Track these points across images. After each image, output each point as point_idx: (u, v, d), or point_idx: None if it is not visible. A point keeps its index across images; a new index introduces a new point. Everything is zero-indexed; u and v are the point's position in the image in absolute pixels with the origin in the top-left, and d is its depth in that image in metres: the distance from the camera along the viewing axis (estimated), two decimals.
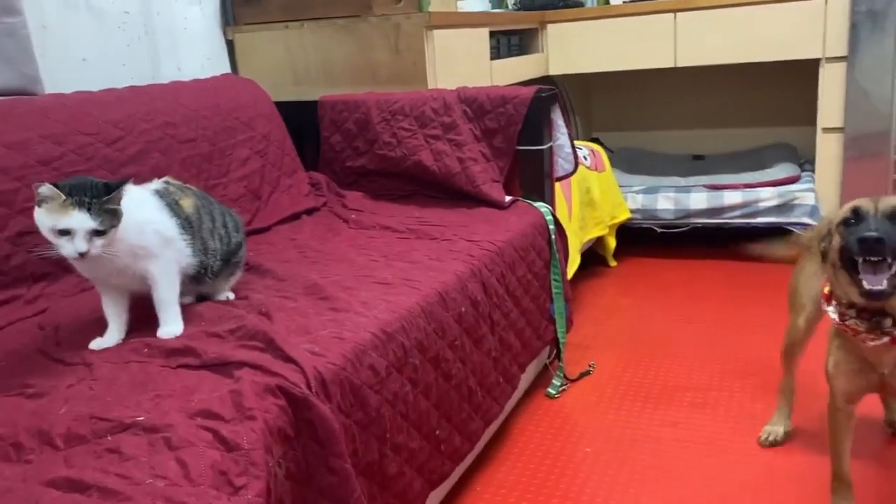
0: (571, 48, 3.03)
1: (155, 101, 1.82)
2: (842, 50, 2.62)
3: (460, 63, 2.33)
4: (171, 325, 1.20)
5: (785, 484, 1.53)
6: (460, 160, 2.01)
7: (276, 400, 1.00)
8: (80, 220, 1.06)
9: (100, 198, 1.08)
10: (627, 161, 3.34)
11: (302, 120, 2.25)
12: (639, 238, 3.10)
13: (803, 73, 3.14)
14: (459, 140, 2.03)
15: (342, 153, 2.21)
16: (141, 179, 1.68)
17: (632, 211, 2.96)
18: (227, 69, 2.39)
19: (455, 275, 1.50)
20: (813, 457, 1.61)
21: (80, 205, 1.06)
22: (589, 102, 3.73)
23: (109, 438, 0.89)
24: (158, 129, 1.77)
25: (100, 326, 1.22)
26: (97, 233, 1.07)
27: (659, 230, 2.97)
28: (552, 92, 2.00)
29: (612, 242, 2.93)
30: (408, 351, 1.28)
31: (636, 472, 1.61)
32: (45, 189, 1.06)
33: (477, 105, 2.04)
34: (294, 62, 2.34)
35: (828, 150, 2.74)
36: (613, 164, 3.18)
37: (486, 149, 2.04)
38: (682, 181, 3.02)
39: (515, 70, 2.76)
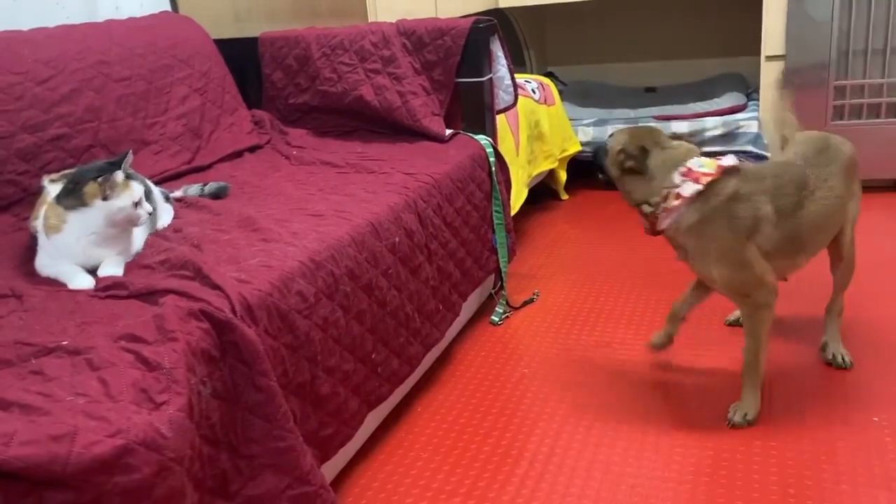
0: None
1: (88, 39, 1.80)
2: None
3: None
4: (113, 268, 1.22)
5: (697, 387, 1.61)
6: (400, 94, 2.03)
7: (200, 323, 1.04)
8: (139, 187, 1.24)
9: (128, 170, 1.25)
10: (580, 94, 3.36)
11: (245, 57, 2.24)
12: (590, 171, 3.14)
13: (753, 3, 3.15)
14: (399, 73, 2.04)
15: (284, 90, 2.21)
16: (75, 118, 1.68)
17: (582, 144, 3.00)
18: (167, 7, 2.36)
19: (388, 206, 1.54)
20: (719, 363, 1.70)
21: (131, 178, 1.24)
22: (543, 36, 3.72)
23: (34, 361, 0.93)
24: (92, 68, 1.76)
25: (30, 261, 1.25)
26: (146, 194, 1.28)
27: None
28: (490, 23, 2.01)
29: (562, 176, 2.97)
30: (338, 279, 1.32)
31: (567, 388, 1.69)
32: (119, 176, 1.21)
33: (416, 37, 2.04)
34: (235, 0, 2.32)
35: (771, 77, 2.78)
36: (566, 98, 3.20)
37: (426, 82, 2.05)
38: (631, 113, 3.05)
39: (462, 3, 2.75)
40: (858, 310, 1.90)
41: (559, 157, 2.87)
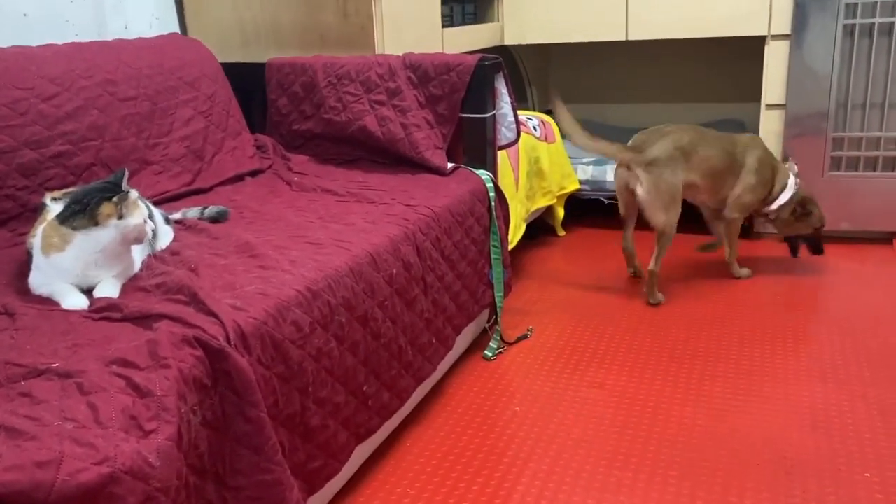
0: (526, 18, 3.05)
1: (95, 57, 1.81)
2: (786, 28, 2.67)
3: (410, 29, 2.34)
4: (109, 289, 1.21)
5: (698, 441, 1.60)
6: (404, 126, 2.04)
7: (193, 350, 1.03)
8: (144, 205, 1.27)
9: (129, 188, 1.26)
10: None
11: (251, 82, 2.25)
12: (588, 209, 3.15)
13: (752, 51, 3.19)
14: (404, 106, 2.05)
15: (289, 116, 2.22)
16: (78, 136, 1.68)
17: (581, 182, 3.01)
18: (175, 29, 2.38)
19: (388, 237, 1.54)
20: (725, 415, 1.69)
21: (139, 197, 1.26)
22: (546, 74, 3.76)
23: (23, 383, 0.92)
24: (98, 87, 1.76)
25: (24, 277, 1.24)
26: None
27: (607, 202, 3.03)
28: (496, 61, 2.03)
29: (560, 212, 2.98)
30: (334, 309, 1.31)
31: (559, 428, 1.68)
32: (134, 195, 1.23)
33: (422, 71, 2.06)
34: (243, 23, 2.34)
35: (771, 125, 2.80)
36: (566, 136, 3.21)
37: (430, 115, 2.06)
38: None
39: (469, 38, 2.78)
40: (860, 365, 1.90)
41: (558, 193, 2.88)
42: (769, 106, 2.79)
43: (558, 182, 2.88)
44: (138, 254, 1.33)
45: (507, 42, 3.11)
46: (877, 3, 2.52)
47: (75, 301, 1.18)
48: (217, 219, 1.64)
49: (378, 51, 2.21)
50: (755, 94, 2.95)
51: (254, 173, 2.07)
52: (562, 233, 3.04)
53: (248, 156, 2.10)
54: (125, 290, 1.23)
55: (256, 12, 2.30)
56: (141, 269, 1.30)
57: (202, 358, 1.03)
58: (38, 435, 0.83)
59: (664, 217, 2.28)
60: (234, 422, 1.06)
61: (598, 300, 2.36)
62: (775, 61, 2.73)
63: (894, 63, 2.57)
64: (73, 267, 1.20)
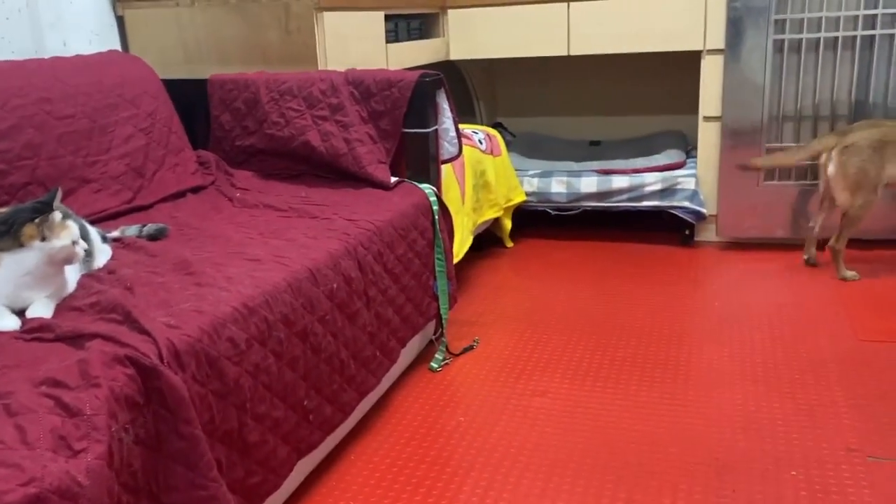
0: (472, 33, 3.10)
1: (31, 76, 1.80)
2: (720, 43, 2.77)
3: (353, 46, 2.36)
4: (42, 310, 1.21)
5: (635, 446, 1.64)
6: (347, 141, 2.06)
7: (125, 369, 1.03)
8: (75, 226, 1.23)
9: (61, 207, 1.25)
10: (527, 145, 3.43)
11: (193, 98, 2.25)
12: (534, 220, 3.20)
13: (692, 65, 3.29)
14: (346, 121, 2.07)
15: (232, 132, 2.23)
16: (13, 155, 1.66)
17: (528, 194, 3.06)
18: (116, 46, 2.36)
19: (328, 252, 1.56)
20: (660, 426, 1.74)
21: (67, 217, 1.23)
22: (493, 88, 3.81)
23: None
24: (33, 105, 1.75)
25: None
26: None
27: (553, 213, 3.09)
28: (437, 77, 2.07)
29: (507, 224, 3.03)
30: (271, 325, 1.32)
31: (502, 437, 1.71)
32: (56, 216, 1.20)
33: (364, 87, 2.08)
34: (185, 40, 2.33)
35: (708, 137, 2.89)
36: (513, 149, 3.27)
37: (373, 130, 2.09)
38: (575, 166, 3.14)
39: (414, 54, 2.82)
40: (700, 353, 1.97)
41: (504, 206, 2.93)
42: (706, 118, 2.88)
43: (505, 194, 2.93)
44: (73, 273, 1.32)
45: (453, 57, 3.16)
46: (803, 19, 2.63)
47: (6, 322, 1.17)
48: (156, 236, 1.64)
49: (321, 67, 2.23)
50: (694, 107, 3.05)
51: (196, 190, 2.06)
52: (510, 244, 3.08)
53: (189, 172, 2.10)
54: (59, 310, 1.23)
55: (199, 29, 2.30)
56: (76, 289, 1.30)
57: (134, 376, 1.04)
58: None
59: (849, 199, 2.46)
60: (167, 439, 1.07)
61: (543, 310, 2.41)
62: (711, 75, 2.82)
63: (821, 76, 2.68)
64: (3, 288, 1.19)
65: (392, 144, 2.08)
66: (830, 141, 2.51)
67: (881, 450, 1.57)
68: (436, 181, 2.12)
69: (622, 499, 1.48)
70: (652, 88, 3.58)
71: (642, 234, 3.12)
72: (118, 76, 2.01)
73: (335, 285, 1.53)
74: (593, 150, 3.49)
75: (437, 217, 2.03)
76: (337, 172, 2.10)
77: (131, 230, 1.65)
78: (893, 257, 2.68)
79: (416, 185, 2.05)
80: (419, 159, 2.09)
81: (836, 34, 2.63)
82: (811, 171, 2.76)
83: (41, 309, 1.21)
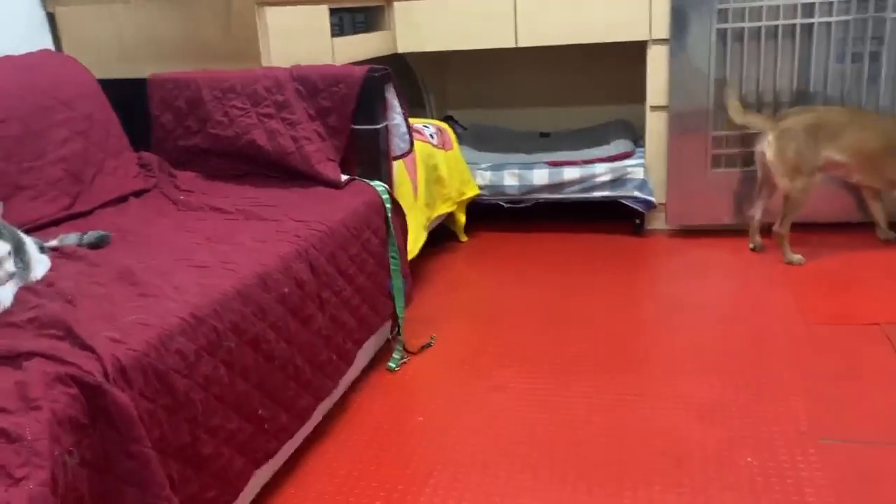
0: (418, 26, 3.07)
1: None
2: (665, 33, 2.79)
3: (297, 41, 2.31)
4: None
5: (594, 438, 1.65)
6: (294, 139, 2.01)
7: (67, 389, 0.98)
8: (3, 246, 1.21)
9: None
10: (477, 138, 3.42)
11: (132, 98, 2.17)
12: (487, 213, 3.19)
13: (640, 55, 3.32)
14: (293, 119, 2.02)
15: (174, 132, 2.16)
16: None
17: (480, 187, 3.05)
18: (48, 45, 2.27)
19: (278, 256, 1.52)
20: (624, 407, 1.75)
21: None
22: (443, 80, 3.79)
23: None
24: None
25: None
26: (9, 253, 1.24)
27: (506, 205, 3.08)
28: (385, 72, 2.03)
29: (461, 218, 3.01)
30: (221, 334, 1.28)
31: (461, 435, 1.69)
32: None
33: (310, 84, 2.04)
34: (121, 38, 2.25)
35: (656, 126, 2.92)
36: (464, 142, 3.26)
37: (321, 128, 2.05)
38: (526, 158, 3.13)
39: (360, 48, 2.77)
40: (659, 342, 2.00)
41: (457, 200, 2.91)
42: (653, 107, 2.91)
43: (458, 188, 2.91)
44: (9, 288, 1.26)
45: (400, 50, 3.12)
46: (745, 8, 2.67)
47: None
48: (97, 244, 1.57)
49: (265, 63, 2.17)
50: (641, 96, 3.07)
51: (138, 193, 2.00)
52: (464, 238, 3.07)
53: (131, 175, 2.03)
54: None
55: (134, 27, 2.22)
56: (12, 304, 1.24)
57: (77, 396, 0.99)
58: None
59: (788, 183, 2.52)
60: (116, 459, 1.02)
61: (499, 304, 2.40)
62: (657, 65, 2.85)
63: (764, 65, 2.73)
64: None
65: (341, 142, 2.04)
66: (767, 123, 2.58)
67: (832, 432, 1.61)
68: (387, 178, 2.09)
69: (583, 491, 1.48)
70: (600, 79, 3.60)
71: (594, 225, 3.14)
72: (51, 77, 1.92)
73: (286, 290, 1.49)
74: (544, 141, 3.49)
75: (389, 215, 2.00)
76: (285, 172, 2.05)
77: (70, 238, 1.58)
78: (836, 241, 2.74)
79: (368, 183, 2.02)
80: (369, 156, 2.06)
81: (776, 23, 2.67)
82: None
83: None
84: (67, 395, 0.98)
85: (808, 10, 2.64)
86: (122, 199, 1.94)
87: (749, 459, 1.54)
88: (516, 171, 3.04)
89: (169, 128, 2.16)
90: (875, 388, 1.76)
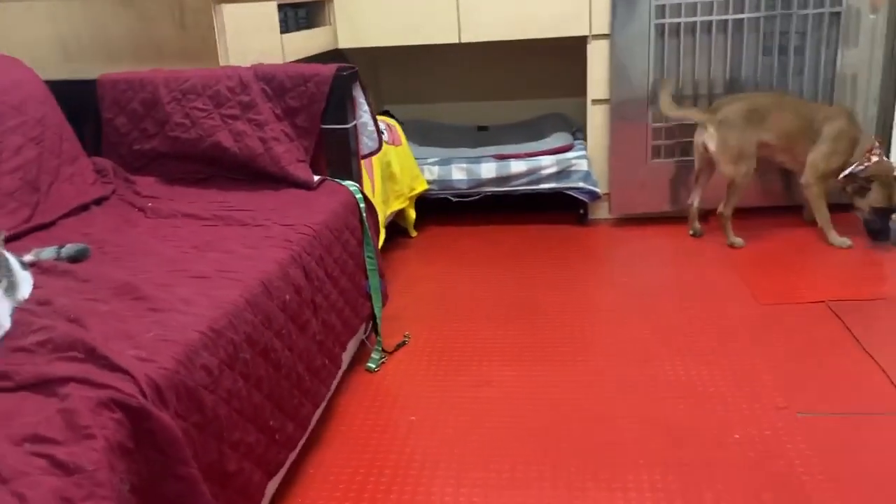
0: (360, 21, 3.04)
1: None
2: (605, 28, 2.88)
3: (251, 38, 2.25)
4: None
5: (589, 425, 1.70)
6: (262, 140, 1.96)
7: (112, 414, 0.94)
8: None
9: None
10: (418, 133, 3.42)
11: (78, 101, 2.05)
12: (433, 207, 3.21)
13: (573, 49, 3.40)
14: (260, 120, 1.97)
15: (128, 136, 2.06)
16: None
17: (429, 182, 3.06)
18: None
19: (276, 262, 1.48)
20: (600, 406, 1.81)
21: None
22: (377, 75, 3.76)
23: None
24: None
25: None
26: None
27: (454, 199, 3.10)
28: (353, 70, 2.01)
29: (412, 214, 3.01)
30: (238, 346, 1.25)
31: (458, 432, 1.71)
32: None
33: (276, 83, 1.99)
34: (64, 37, 2.13)
35: (597, 119, 3.01)
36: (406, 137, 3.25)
37: (289, 128, 2.00)
38: (471, 152, 3.16)
39: (305, 44, 2.72)
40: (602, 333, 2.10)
41: (409, 195, 2.91)
42: (595, 101, 2.99)
43: (408, 184, 2.91)
44: (5, 307, 1.18)
45: (342, 45, 3.09)
46: (681, 4, 2.79)
47: None
48: (77, 258, 1.49)
49: (222, 62, 2.10)
50: (577, 90, 3.15)
51: (98, 201, 1.90)
52: (414, 234, 3.07)
53: (88, 182, 1.92)
54: (2, 352, 1.09)
55: (79, 25, 2.10)
56: (10, 326, 1.16)
57: (122, 420, 0.94)
58: None
59: (733, 169, 2.65)
60: (162, 483, 0.98)
61: (462, 298, 2.42)
62: (597, 59, 2.93)
63: (699, 58, 2.86)
64: None
65: (310, 142, 2.01)
66: (702, 115, 2.71)
67: (805, 405, 1.72)
68: (358, 178, 2.07)
69: (590, 478, 1.52)
70: (534, 72, 3.67)
71: (540, 216, 3.20)
72: None
73: (287, 296, 1.46)
74: (483, 135, 3.53)
75: (364, 214, 1.98)
76: (252, 174, 2.00)
77: (47, 252, 1.49)
78: (770, 224, 2.91)
79: (340, 183, 2.00)
80: (339, 155, 2.04)
81: (710, 18, 2.80)
82: (692, 148, 2.95)
83: None
84: (113, 420, 0.93)
85: (739, 6, 2.78)
86: (84, 208, 1.84)
87: (737, 436, 1.62)
88: (464, 165, 3.07)
89: (123, 131, 2.06)
90: (835, 362, 1.89)
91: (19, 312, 1.21)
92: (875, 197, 2.56)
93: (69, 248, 1.50)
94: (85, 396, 0.94)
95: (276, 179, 1.97)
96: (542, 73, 3.66)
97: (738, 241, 2.72)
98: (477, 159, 3.08)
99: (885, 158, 2.61)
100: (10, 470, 0.81)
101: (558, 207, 3.20)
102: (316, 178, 1.98)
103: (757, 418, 1.68)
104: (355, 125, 2.05)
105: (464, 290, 2.49)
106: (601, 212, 3.14)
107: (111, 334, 1.13)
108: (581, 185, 3.01)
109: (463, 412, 1.79)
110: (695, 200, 2.87)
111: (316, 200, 1.87)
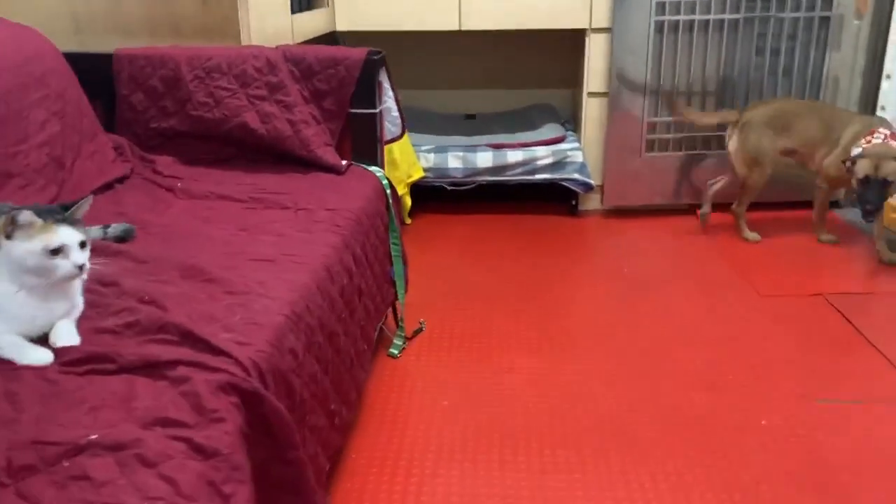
0: (360, 4, 3.01)
1: None
2: (605, 22, 2.92)
3: (267, 18, 2.21)
4: (70, 336, 1.04)
5: (617, 412, 1.75)
6: (291, 122, 1.93)
7: (229, 398, 0.93)
8: (70, 234, 1.03)
9: (64, 213, 1.06)
10: (408, 120, 3.40)
11: (88, 75, 1.98)
12: (431, 196, 3.21)
13: (561, 42, 3.43)
14: (288, 102, 1.94)
15: (146, 113, 2.00)
16: None
17: (425, 170, 3.06)
18: None
19: (331, 247, 1.47)
20: (640, 387, 1.86)
21: (60, 222, 1.03)
22: None
23: (66, 464, 0.77)
24: None
25: None
26: (83, 244, 1.05)
27: (449, 188, 3.11)
28: (380, 54, 2.00)
29: (408, 201, 3.01)
30: (313, 330, 1.24)
31: (493, 418, 1.73)
32: (26, 216, 1.00)
33: (305, 65, 1.96)
34: (74, 8, 2.05)
35: (593, 112, 3.06)
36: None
37: (316, 111, 1.98)
38: (466, 140, 3.17)
39: (308, 26, 2.68)
40: (636, 321, 2.17)
41: (406, 182, 2.90)
42: (591, 94, 3.04)
43: (406, 171, 2.90)
44: (77, 289, 1.14)
45: (340, 28, 3.05)
46: (681, 2, 2.85)
47: (39, 356, 0.99)
48: (123, 238, 1.45)
49: (244, 41, 2.06)
50: (565, 82, 3.19)
51: (120, 180, 1.84)
52: (409, 221, 3.07)
53: (109, 160, 1.87)
54: (87, 334, 1.06)
55: None
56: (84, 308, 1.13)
57: (238, 405, 0.93)
58: None
59: (747, 172, 2.73)
60: (271, 468, 0.98)
61: (467, 285, 2.44)
62: (596, 52, 2.97)
63: (696, 56, 2.93)
64: (11, 311, 1.01)
65: (337, 126, 1.99)
66: (732, 115, 2.77)
67: (824, 393, 1.80)
68: (381, 163, 2.06)
69: (630, 464, 1.57)
70: (520, 63, 3.69)
71: (531, 206, 3.24)
72: (19, 51, 1.72)
73: (345, 281, 1.46)
74: (470, 123, 3.54)
75: (390, 200, 1.98)
76: (278, 156, 1.97)
77: (94, 232, 1.44)
78: (766, 218, 3.01)
79: (366, 169, 1.99)
80: (366, 141, 2.02)
81: (708, 17, 2.87)
82: (686, 143, 3.03)
83: (68, 335, 1.04)
84: (232, 404, 0.92)
85: (735, 6, 2.86)
86: (108, 187, 1.79)
87: (764, 423, 1.69)
88: (460, 153, 3.07)
89: (139, 108, 2.00)
90: (842, 352, 1.99)
91: (85, 294, 1.18)
92: (860, 167, 2.42)
93: (115, 228, 1.46)
94: (204, 380, 0.92)
95: (302, 163, 1.95)
96: (528, 63, 3.68)
97: (753, 235, 2.80)
98: (472, 148, 3.09)
99: (890, 142, 2.46)
100: (155, 453, 0.80)
101: (548, 198, 3.24)
102: (343, 162, 1.96)
103: (779, 406, 1.75)
104: (381, 110, 2.03)
105: (466, 277, 2.51)
106: (592, 203, 3.20)
107: (195, 317, 1.11)
108: (576, 176, 3.06)
109: (493, 398, 1.81)
110: (717, 185, 2.92)
111: (348, 186, 1.86)
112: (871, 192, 2.42)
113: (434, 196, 3.20)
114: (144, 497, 0.74)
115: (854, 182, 2.47)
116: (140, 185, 1.83)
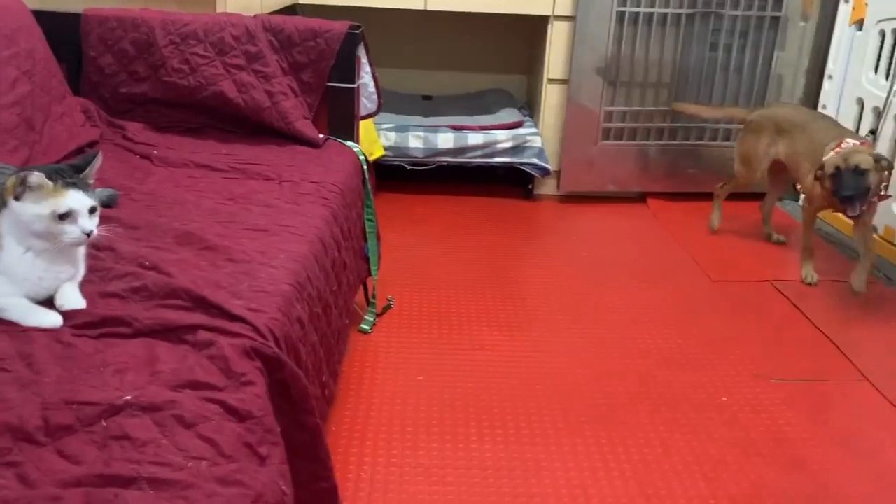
0: None
1: None
2: (569, 10, 2.97)
3: None
4: (76, 299, 1.02)
5: (586, 387, 1.81)
6: (269, 94, 1.91)
7: (253, 362, 0.93)
8: (80, 199, 1.01)
9: (77, 176, 1.04)
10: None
11: (54, 35, 1.91)
12: (390, 174, 3.21)
13: (523, 28, 3.47)
14: (267, 72, 1.92)
15: (115, 77, 1.94)
16: None
17: (385, 148, 3.05)
18: None
19: (322, 219, 1.48)
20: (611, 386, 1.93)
21: (71, 185, 1.02)
22: None
23: (104, 424, 0.76)
24: None
25: None
26: (92, 210, 1.03)
27: (409, 167, 3.12)
28: (359, 28, 1.99)
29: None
30: (313, 301, 1.25)
31: (469, 392, 1.77)
32: (36, 178, 0.98)
33: (284, 36, 1.94)
34: None
35: (553, 99, 3.11)
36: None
37: (294, 83, 1.96)
38: (426, 121, 3.18)
39: None
40: (587, 304, 2.27)
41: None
42: (551, 80, 3.09)
43: (367, 149, 2.89)
44: (83, 254, 1.11)
45: (304, 1, 3.01)
46: None
47: (49, 318, 0.97)
48: (108, 204, 1.42)
49: (220, 9, 2.02)
50: (520, 68, 3.22)
51: (91, 145, 1.79)
52: None
53: (79, 124, 1.81)
54: (88, 297, 1.04)
55: None
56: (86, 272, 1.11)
57: (262, 369, 0.94)
58: (184, 481, 0.71)
59: (738, 167, 2.77)
60: (289, 434, 0.98)
61: (431, 264, 2.47)
62: (558, 39, 3.02)
63: (653, 47, 3.01)
64: (16, 265, 0.98)
65: (315, 99, 1.98)
66: (739, 113, 2.79)
67: (777, 372, 1.91)
68: (357, 139, 2.06)
69: (604, 436, 1.63)
70: (477, 46, 3.71)
71: (488, 188, 3.28)
72: None
73: (336, 254, 1.46)
74: (428, 104, 3.55)
75: (366, 176, 1.98)
76: (255, 127, 1.94)
77: None
78: (705, 207, 3.14)
79: (343, 143, 1.98)
80: (342, 116, 2.02)
81: (666, 11, 2.96)
82: (640, 133, 3.12)
83: (75, 298, 1.02)
84: (257, 368, 0.92)
85: (692, 1, 2.95)
86: (79, 151, 1.73)
87: (724, 399, 1.79)
88: (421, 133, 3.08)
89: (108, 72, 1.94)
90: (791, 335, 2.11)
91: (90, 260, 1.15)
92: (828, 163, 2.23)
93: (99, 193, 1.41)
94: (230, 344, 0.92)
95: (279, 134, 1.93)
96: (485, 47, 3.71)
97: (714, 223, 2.85)
98: (434, 129, 3.10)
99: (856, 144, 2.26)
100: (192, 415, 0.80)
101: (502, 181, 3.28)
102: (320, 136, 1.95)
103: (737, 384, 1.85)
104: (358, 85, 2.03)
105: (429, 256, 2.53)
106: (548, 188, 3.26)
107: (201, 283, 1.11)
108: (534, 161, 3.11)
109: (467, 374, 1.85)
110: (767, 203, 2.84)
111: (327, 159, 1.85)
112: (845, 179, 2.16)
113: (393, 175, 3.20)
114: (189, 457, 0.74)
115: (826, 183, 2.23)
116: (112, 151, 1.78)
